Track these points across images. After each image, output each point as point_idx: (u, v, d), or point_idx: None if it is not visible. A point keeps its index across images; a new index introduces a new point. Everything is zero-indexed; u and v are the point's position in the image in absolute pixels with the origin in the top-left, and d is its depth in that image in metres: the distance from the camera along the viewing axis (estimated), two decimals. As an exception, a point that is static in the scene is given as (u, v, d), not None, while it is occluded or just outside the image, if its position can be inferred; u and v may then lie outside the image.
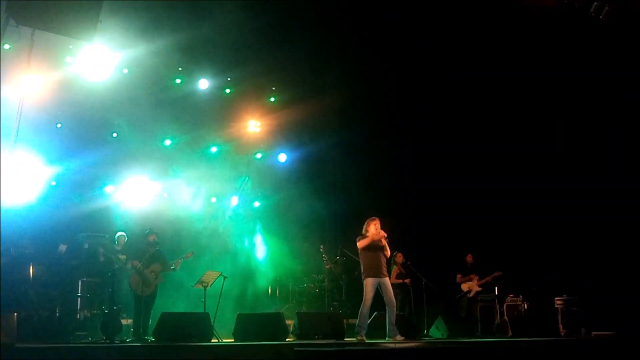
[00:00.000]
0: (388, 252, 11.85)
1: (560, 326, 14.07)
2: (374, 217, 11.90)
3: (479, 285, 15.25)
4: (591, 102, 15.24)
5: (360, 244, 11.75)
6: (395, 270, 14.54)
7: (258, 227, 17.34)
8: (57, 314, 12.77)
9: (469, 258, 15.53)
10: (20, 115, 12.59)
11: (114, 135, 15.70)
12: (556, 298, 14.41)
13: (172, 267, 12.89)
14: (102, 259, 13.24)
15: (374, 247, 11.72)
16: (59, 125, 14.77)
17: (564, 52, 14.76)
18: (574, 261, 14.99)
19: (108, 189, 15.60)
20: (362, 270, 11.83)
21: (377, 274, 11.61)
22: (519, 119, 16.16)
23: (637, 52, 13.78)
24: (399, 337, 11.58)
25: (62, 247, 13.26)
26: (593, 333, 13.62)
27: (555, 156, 15.91)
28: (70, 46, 14.17)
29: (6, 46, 13.07)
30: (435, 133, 16.97)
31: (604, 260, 14.79)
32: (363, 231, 11.82)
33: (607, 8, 13.34)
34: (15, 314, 10.31)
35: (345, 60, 16.37)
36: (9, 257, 12.44)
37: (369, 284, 11.60)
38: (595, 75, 14.65)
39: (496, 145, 16.28)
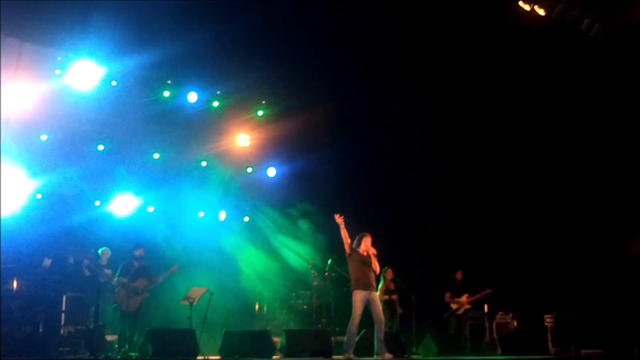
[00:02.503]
0: (377, 269, 11.73)
1: (550, 344, 13.98)
2: (365, 233, 11.79)
3: (469, 303, 15.15)
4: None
5: (346, 246, 11.61)
6: (382, 286, 14.44)
7: (247, 241, 17.21)
8: (41, 330, 12.54)
9: (459, 275, 15.43)
10: (6, 126, 12.52)
11: (101, 148, 15.51)
12: (546, 316, 14.35)
13: (154, 282, 12.74)
14: (87, 273, 13.04)
15: (363, 262, 11.60)
16: (44, 137, 14.57)
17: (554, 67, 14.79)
18: (563, 279, 14.94)
19: (94, 202, 15.43)
20: (351, 283, 11.69)
21: (366, 286, 11.47)
22: (507, 137, 16.13)
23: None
24: (387, 355, 11.44)
25: (47, 262, 13.06)
26: (582, 351, 13.55)
27: (543, 175, 15.84)
28: (59, 58, 14.07)
29: (-7, 57, 12.95)
30: (427, 149, 16.92)
31: (594, 279, 14.75)
32: (353, 246, 11.69)
33: (597, 25, 13.40)
34: (-2, 329, 10.17)
35: (335, 74, 16.30)
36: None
37: (357, 297, 11.42)
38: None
39: (488, 163, 16.22)
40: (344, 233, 11.49)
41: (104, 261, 13.16)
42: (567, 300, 14.59)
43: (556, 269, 15.15)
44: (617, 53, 13.77)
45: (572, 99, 14.99)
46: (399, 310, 14.71)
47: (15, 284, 12.55)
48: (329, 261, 15.13)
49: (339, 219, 11.41)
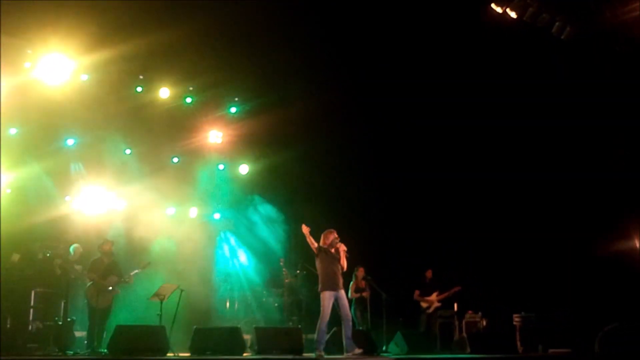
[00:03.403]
0: (345, 266, 11.74)
1: (518, 343, 14.12)
2: (331, 230, 11.81)
3: (438, 301, 15.26)
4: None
5: (312, 247, 11.65)
6: (353, 284, 14.49)
7: (219, 238, 17.16)
8: (8, 325, 12.40)
9: (429, 274, 15.52)
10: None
11: (70, 142, 15.35)
12: (514, 315, 14.49)
13: (126, 280, 12.68)
14: (58, 271, 12.89)
15: (331, 259, 11.61)
16: (13, 131, 14.40)
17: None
18: (532, 279, 15.10)
19: (64, 198, 15.28)
20: (319, 282, 11.72)
21: (333, 286, 11.50)
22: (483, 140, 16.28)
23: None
24: (357, 350, 11.50)
25: (15, 257, 12.89)
26: (550, 350, 13.72)
27: (516, 174, 16.00)
28: (29, 51, 13.93)
29: (-38, 50, 12.79)
30: (400, 145, 16.98)
31: (561, 279, 14.94)
32: (320, 243, 11.70)
33: (568, 28, 13.56)
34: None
35: (309, 71, 16.30)
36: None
37: (325, 297, 11.45)
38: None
39: (461, 161, 16.36)
40: (310, 240, 11.57)
41: (76, 258, 13.05)
42: (535, 300, 14.74)
43: (525, 269, 15.29)
44: (587, 56, 13.97)
45: (543, 100, 15.16)
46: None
47: (-18, 279, 12.37)
48: (301, 260, 15.21)
49: (305, 230, 11.49)
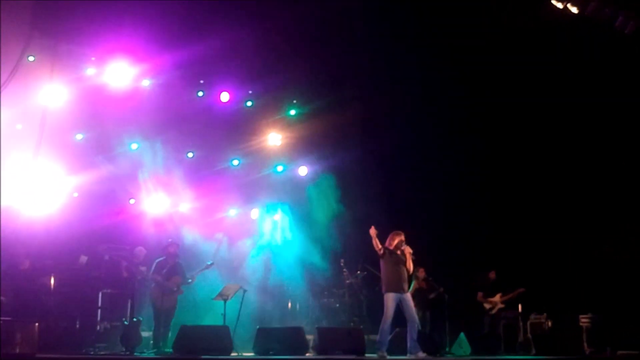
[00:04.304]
0: (411, 268, 11.73)
1: (585, 345, 13.81)
2: (398, 232, 11.78)
3: (502, 302, 15.03)
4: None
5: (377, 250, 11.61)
6: (415, 285, 14.40)
7: (280, 239, 17.27)
8: (77, 325, 12.75)
9: (492, 275, 15.30)
10: (44, 126, 12.71)
11: (135, 146, 15.67)
12: (581, 316, 14.17)
13: (188, 280, 12.86)
14: (125, 273, 13.18)
15: (396, 261, 11.60)
16: (80, 137, 14.77)
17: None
18: (599, 279, 14.75)
19: (129, 201, 15.61)
20: (383, 284, 11.69)
21: (398, 288, 11.48)
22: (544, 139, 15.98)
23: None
24: (420, 354, 11.42)
25: (83, 259, 13.25)
26: (618, 352, 13.35)
27: (580, 170, 15.68)
28: (93, 58, 14.25)
29: (30, 58, 13.15)
30: (458, 148, 16.82)
31: (629, 277, 14.56)
32: (386, 244, 11.68)
33: (632, 23, 13.22)
34: (37, 324, 10.32)
35: (366, 72, 16.28)
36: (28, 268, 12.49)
37: (389, 299, 11.46)
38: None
39: (521, 162, 16.10)
40: (375, 242, 11.57)
41: (139, 259, 13.32)
42: (601, 301, 14.39)
43: (591, 269, 14.96)
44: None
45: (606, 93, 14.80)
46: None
47: (52, 281, 12.72)
48: (361, 260, 15.19)
49: (372, 232, 11.48)
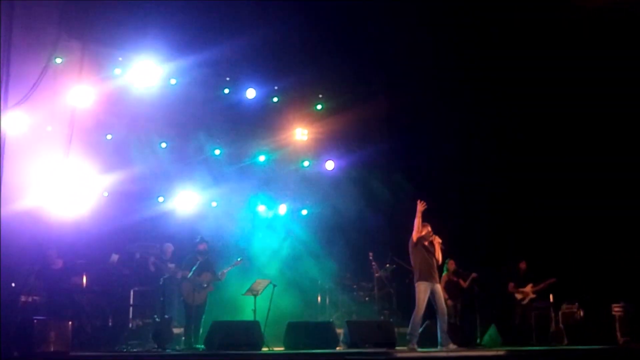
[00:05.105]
0: (440, 259, 11.70)
1: (619, 334, 13.66)
2: (425, 223, 11.74)
3: (534, 292, 14.93)
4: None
5: (414, 235, 11.55)
6: (444, 277, 14.34)
7: (308, 234, 17.32)
8: (110, 323, 12.88)
9: (523, 265, 15.20)
10: (73, 127, 12.85)
11: (163, 145, 15.81)
12: (613, 305, 14.01)
13: (219, 277, 12.95)
14: (152, 268, 13.34)
15: (426, 251, 11.58)
16: (109, 137, 14.93)
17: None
18: (628, 267, 14.57)
19: (158, 199, 15.77)
20: (414, 274, 11.67)
21: (429, 278, 11.45)
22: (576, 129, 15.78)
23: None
24: (451, 346, 11.37)
25: (114, 257, 13.40)
26: (653, 340, 13.22)
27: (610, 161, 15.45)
28: (120, 58, 14.37)
29: (58, 60, 13.31)
30: (485, 138, 16.72)
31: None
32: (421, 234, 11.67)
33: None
34: (70, 322, 10.48)
35: (391, 66, 16.23)
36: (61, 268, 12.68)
37: (421, 289, 11.39)
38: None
39: (550, 151, 15.93)
40: (418, 221, 11.49)
41: (167, 256, 13.45)
42: (636, 289, 14.20)
43: (623, 257, 14.77)
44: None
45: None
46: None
47: (84, 280, 12.89)
48: (390, 253, 15.17)
49: (421, 205, 11.43)
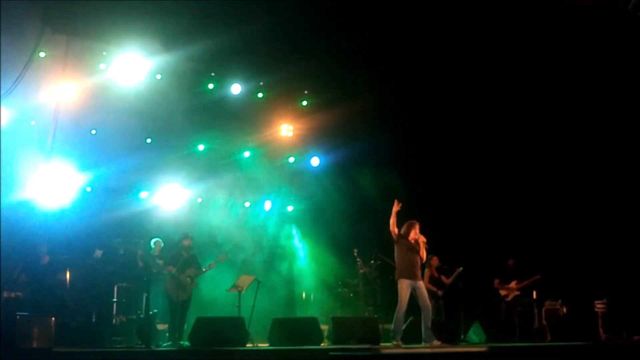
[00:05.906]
0: (424, 257, 11.74)
1: (601, 330, 13.75)
2: (413, 221, 11.78)
3: (518, 289, 15.00)
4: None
5: (392, 232, 11.59)
6: (427, 273, 14.35)
7: (293, 231, 17.32)
8: (94, 319, 12.82)
9: (511, 262, 15.26)
10: (56, 121, 12.78)
11: (148, 141, 15.74)
12: (596, 302, 14.10)
13: (203, 272, 12.91)
14: (140, 264, 13.26)
15: (410, 249, 11.61)
16: (93, 132, 14.84)
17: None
18: (614, 264, 14.67)
19: (143, 194, 15.69)
20: (396, 271, 11.71)
21: (411, 275, 11.50)
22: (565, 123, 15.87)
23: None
24: (435, 342, 11.43)
25: (98, 253, 13.33)
26: (635, 337, 13.29)
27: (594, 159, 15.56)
28: (104, 53, 14.28)
29: (42, 54, 13.21)
30: (471, 136, 16.75)
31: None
32: (402, 232, 11.69)
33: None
34: (53, 318, 10.41)
35: (377, 63, 16.22)
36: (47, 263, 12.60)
37: (403, 286, 11.46)
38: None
39: (537, 150, 16.02)
40: (394, 220, 11.52)
41: (156, 252, 13.39)
42: (616, 286, 14.31)
43: (604, 255, 14.87)
44: None
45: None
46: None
47: (68, 275, 12.82)
48: (375, 250, 15.19)
49: (396, 206, 11.47)
